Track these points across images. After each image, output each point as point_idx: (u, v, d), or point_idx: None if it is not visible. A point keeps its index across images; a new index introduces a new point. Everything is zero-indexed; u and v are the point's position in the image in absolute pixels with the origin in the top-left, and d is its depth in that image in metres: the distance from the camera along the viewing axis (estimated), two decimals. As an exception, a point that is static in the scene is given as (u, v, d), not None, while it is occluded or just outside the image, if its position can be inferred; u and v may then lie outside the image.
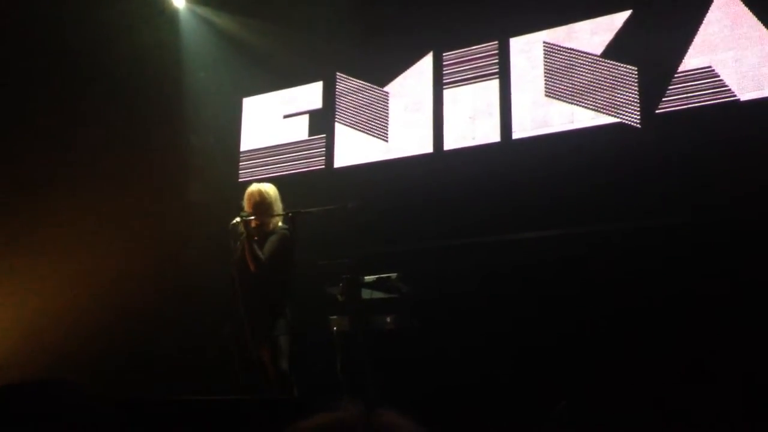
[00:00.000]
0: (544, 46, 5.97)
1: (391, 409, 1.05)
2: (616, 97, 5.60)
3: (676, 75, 5.38)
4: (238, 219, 4.71)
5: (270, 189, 4.89)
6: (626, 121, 5.53)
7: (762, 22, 5.14)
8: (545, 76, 5.91)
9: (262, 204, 4.81)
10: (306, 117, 7.08)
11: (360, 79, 6.87)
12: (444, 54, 6.45)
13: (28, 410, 1.18)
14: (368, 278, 5.06)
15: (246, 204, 4.85)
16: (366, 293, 5.06)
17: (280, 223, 4.86)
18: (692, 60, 5.35)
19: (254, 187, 4.90)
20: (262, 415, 3.28)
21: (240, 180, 7.21)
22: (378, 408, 1.04)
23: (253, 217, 4.75)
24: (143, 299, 6.62)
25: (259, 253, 4.67)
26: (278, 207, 4.87)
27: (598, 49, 5.74)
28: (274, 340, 4.62)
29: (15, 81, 6.73)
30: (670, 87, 5.39)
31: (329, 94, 7.00)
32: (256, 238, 4.76)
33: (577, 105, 5.74)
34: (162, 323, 6.63)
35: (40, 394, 1.20)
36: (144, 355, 6.44)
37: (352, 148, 6.75)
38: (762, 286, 4.67)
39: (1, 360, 6.44)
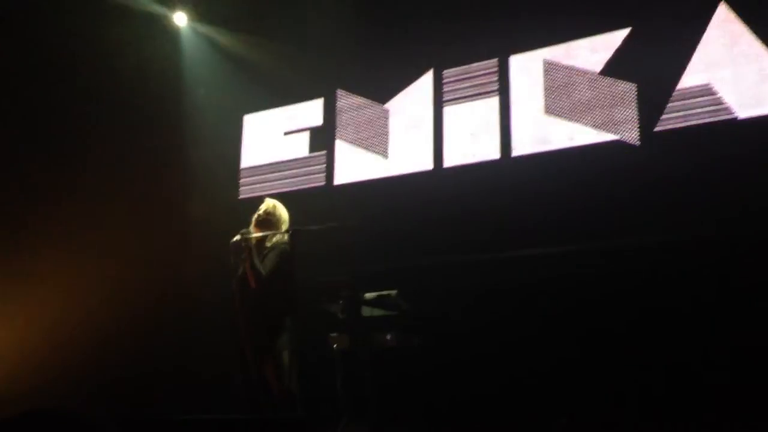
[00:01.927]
0: (543, 63, 6.01)
1: (392, 426, 1.05)
2: (615, 114, 5.62)
3: (674, 92, 5.40)
4: (238, 236, 4.73)
5: (281, 207, 4.97)
6: (625, 139, 5.55)
7: (760, 40, 5.17)
8: (545, 94, 5.94)
9: (270, 217, 4.89)
10: (306, 134, 7.11)
11: (360, 96, 6.89)
12: (444, 71, 6.48)
13: None
14: (368, 295, 5.05)
15: (255, 214, 4.91)
16: (366, 310, 5.05)
17: (285, 237, 4.87)
18: (691, 78, 5.37)
19: (269, 201, 5.00)
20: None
21: (240, 197, 7.23)
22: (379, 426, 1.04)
23: (253, 235, 4.78)
24: (143, 316, 6.61)
25: (260, 268, 4.69)
26: (284, 227, 4.91)
27: (598, 67, 5.77)
28: (277, 356, 4.62)
29: (17, 97, 6.76)
30: (669, 104, 5.41)
31: (330, 111, 7.02)
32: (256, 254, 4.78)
33: (577, 122, 5.76)
34: (162, 340, 6.61)
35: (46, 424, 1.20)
36: (145, 372, 6.42)
37: (353, 165, 6.76)
38: (762, 302, 4.67)
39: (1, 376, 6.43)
